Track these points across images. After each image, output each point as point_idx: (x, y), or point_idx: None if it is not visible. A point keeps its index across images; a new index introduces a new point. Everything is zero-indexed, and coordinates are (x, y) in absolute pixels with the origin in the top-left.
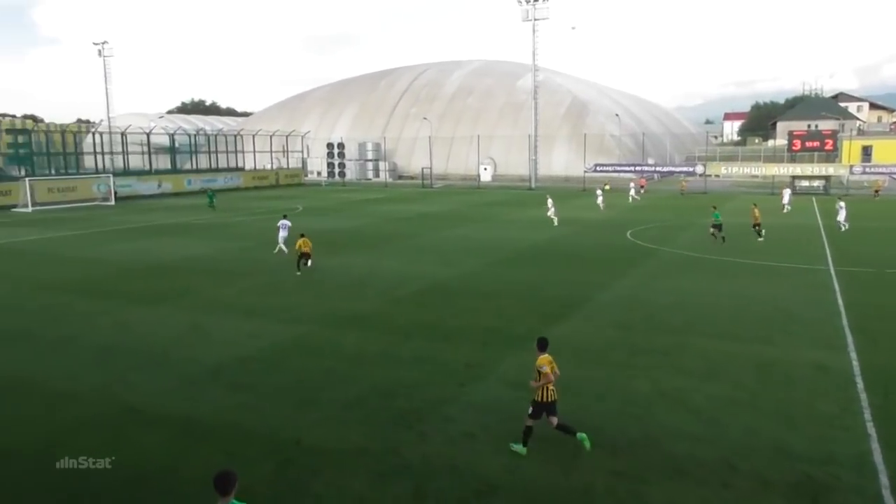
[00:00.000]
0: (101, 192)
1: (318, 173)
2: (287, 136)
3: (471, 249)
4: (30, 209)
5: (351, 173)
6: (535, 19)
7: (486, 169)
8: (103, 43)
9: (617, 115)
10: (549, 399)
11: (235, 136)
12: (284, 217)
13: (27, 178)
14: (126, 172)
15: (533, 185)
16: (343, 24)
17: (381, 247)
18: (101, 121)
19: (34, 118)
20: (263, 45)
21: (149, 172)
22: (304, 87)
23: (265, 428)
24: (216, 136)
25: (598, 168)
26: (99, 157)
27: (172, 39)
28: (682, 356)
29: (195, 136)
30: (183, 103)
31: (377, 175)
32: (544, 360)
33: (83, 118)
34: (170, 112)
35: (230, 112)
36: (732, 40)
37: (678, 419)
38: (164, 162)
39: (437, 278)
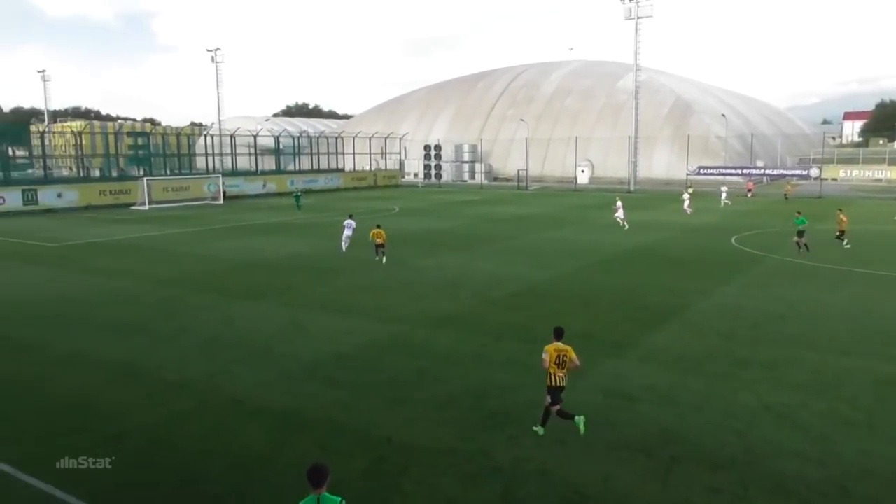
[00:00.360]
0: (210, 191)
1: (415, 174)
2: (385, 138)
3: (566, 252)
4: (146, 207)
5: (447, 175)
6: (638, 17)
7: (583, 171)
8: (216, 50)
9: (723, 115)
10: (557, 384)
11: (336, 138)
12: (350, 217)
13: (145, 178)
14: (234, 173)
15: (632, 188)
16: (442, 26)
17: (476, 248)
18: (213, 124)
19: (152, 121)
20: (364, 49)
21: (255, 173)
22: (402, 90)
23: (358, 424)
24: (318, 138)
25: (701, 170)
26: (209, 158)
27: (279, 45)
28: (789, 370)
29: (298, 138)
30: (288, 106)
31: (473, 177)
32: (549, 348)
33: (196, 121)
34: (275, 115)
35: (332, 115)
36: (854, 34)
37: (784, 436)
38: (269, 163)
39: (531, 281)
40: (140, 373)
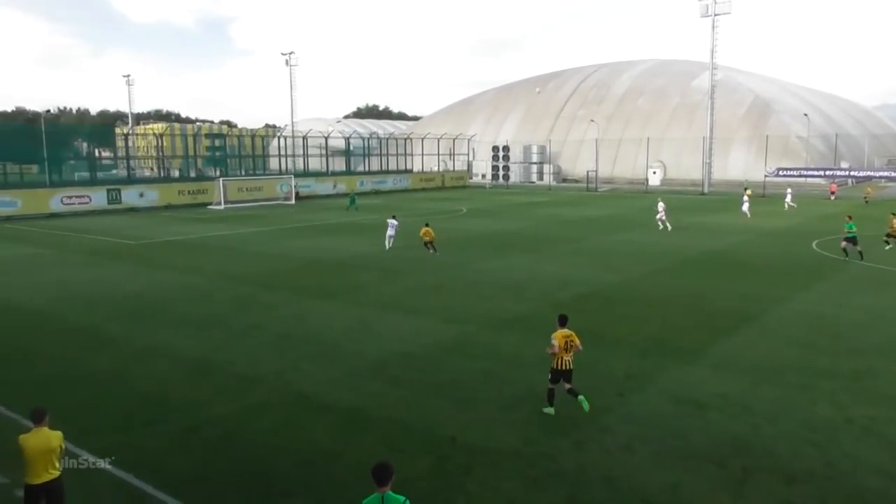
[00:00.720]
0: (283, 191)
1: (483, 176)
2: (454, 140)
3: (635, 255)
4: (222, 207)
5: (515, 176)
6: (716, 14)
7: (654, 172)
8: (290, 53)
9: (805, 114)
10: (564, 367)
11: (405, 139)
12: (393, 217)
13: (221, 179)
14: (305, 173)
15: (706, 190)
16: (511, 27)
17: (543, 250)
18: (286, 125)
19: (229, 124)
20: (434, 50)
21: (325, 174)
22: (471, 91)
23: (423, 423)
24: (387, 139)
25: (780, 172)
26: (282, 160)
27: (351, 47)
28: (874, 381)
29: (368, 139)
30: (358, 108)
31: (541, 178)
32: (558, 335)
33: (270, 123)
34: (346, 117)
35: (401, 116)
36: None
37: (868, 450)
38: (339, 164)
39: (599, 284)
40: (213, 367)
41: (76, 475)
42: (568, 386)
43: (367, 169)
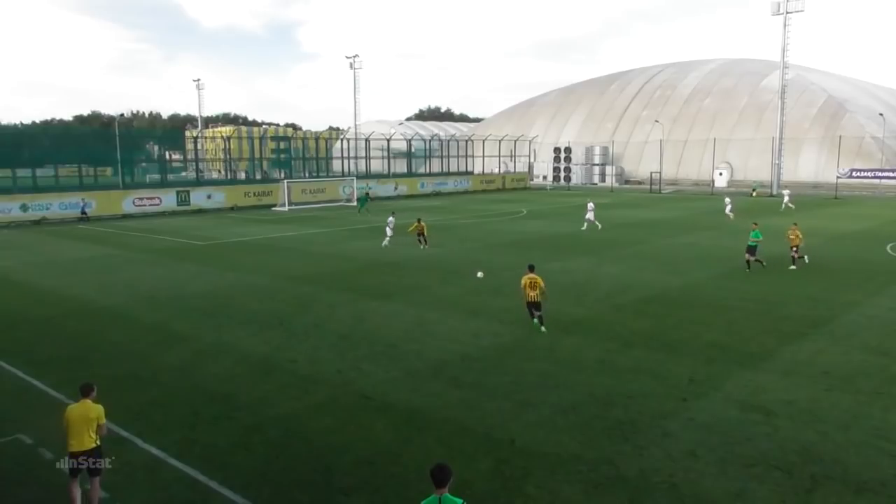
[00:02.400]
0: (345, 193)
1: (544, 177)
2: (515, 141)
3: (699, 258)
4: (286, 208)
5: (577, 178)
6: (788, 12)
7: (721, 174)
8: (354, 56)
9: (881, 114)
10: (532, 300)
11: (466, 141)
12: (392, 214)
13: (286, 181)
14: (367, 175)
15: (775, 192)
16: (574, 27)
17: (603, 252)
18: (349, 128)
19: (294, 126)
20: (496, 52)
21: (387, 176)
22: (533, 93)
23: (482, 425)
24: (448, 141)
25: (854, 174)
26: (345, 162)
27: (414, 50)
28: None
29: (430, 141)
30: (420, 110)
31: (603, 180)
32: (524, 278)
33: (334, 125)
34: (408, 119)
35: (463, 118)
36: None
37: None
38: (400, 166)
39: (661, 287)
40: (276, 366)
41: (145, 468)
42: (538, 314)
43: (427, 171)
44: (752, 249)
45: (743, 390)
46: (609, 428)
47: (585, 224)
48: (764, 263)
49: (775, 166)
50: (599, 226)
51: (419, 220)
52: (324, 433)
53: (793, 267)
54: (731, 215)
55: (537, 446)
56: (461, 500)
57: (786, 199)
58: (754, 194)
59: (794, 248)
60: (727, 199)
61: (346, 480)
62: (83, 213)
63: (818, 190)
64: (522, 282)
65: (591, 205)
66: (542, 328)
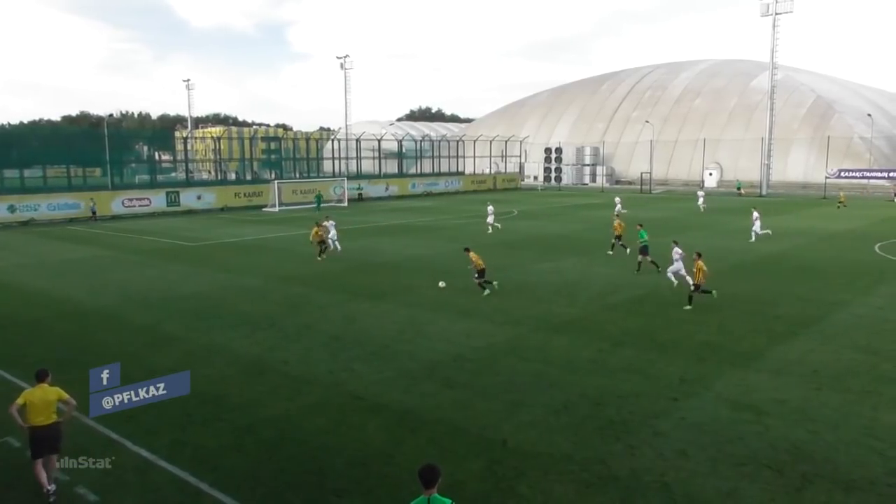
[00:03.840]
0: (336, 194)
1: (535, 178)
2: (506, 142)
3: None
4: (277, 209)
5: (567, 178)
6: (777, 13)
7: (711, 174)
8: (345, 57)
9: (869, 115)
10: (481, 268)
11: (457, 141)
12: (328, 219)
13: (276, 181)
14: (358, 176)
15: (764, 192)
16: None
17: (594, 252)
18: (340, 128)
19: (284, 127)
20: (487, 53)
21: (378, 176)
22: (524, 93)
23: (474, 426)
24: (440, 141)
25: (842, 174)
26: (336, 162)
27: (405, 51)
28: None
29: (421, 141)
30: (411, 111)
31: (594, 180)
32: (472, 256)
33: (325, 126)
34: (399, 119)
35: (454, 118)
36: None
37: None
38: (391, 166)
39: (653, 286)
40: (268, 367)
41: (136, 470)
42: (482, 280)
43: (419, 171)
44: (644, 250)
45: (734, 390)
46: (601, 428)
47: (489, 228)
48: (658, 266)
49: (765, 166)
50: (498, 226)
51: (317, 224)
52: (316, 434)
53: (688, 307)
54: (703, 207)
55: (530, 446)
56: (450, 501)
57: (700, 200)
58: (742, 192)
59: (696, 285)
60: (700, 193)
61: (339, 481)
62: (93, 213)
63: (807, 190)
64: (471, 256)
65: (490, 208)
66: (489, 289)
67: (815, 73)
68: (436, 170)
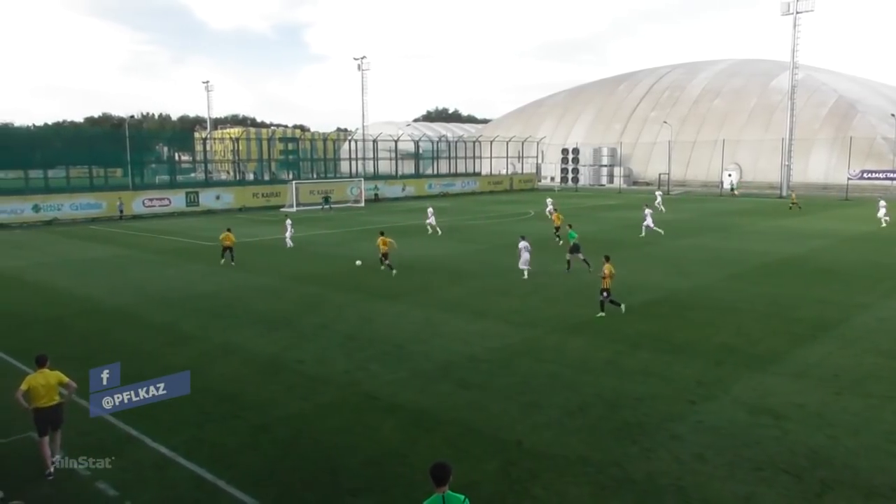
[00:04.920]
0: (352, 194)
1: (552, 178)
2: (522, 142)
3: (708, 260)
4: (294, 209)
5: (584, 179)
6: (798, 12)
7: (730, 175)
8: (362, 58)
9: (893, 115)
10: (385, 251)
11: (474, 142)
12: (287, 217)
13: (293, 182)
14: (375, 176)
15: (784, 193)
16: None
17: (611, 253)
18: (357, 129)
19: (302, 128)
20: (503, 53)
21: (394, 177)
22: (541, 93)
23: (489, 426)
24: (456, 142)
25: (864, 175)
26: (353, 163)
27: (422, 52)
28: None
29: (437, 142)
30: (428, 111)
31: (611, 181)
32: (380, 240)
33: (342, 127)
34: (416, 120)
35: (470, 119)
36: None
37: None
38: (408, 167)
39: (670, 289)
40: (284, 366)
41: (154, 467)
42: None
43: (435, 172)
44: (574, 248)
45: (752, 393)
46: (617, 430)
47: (429, 229)
48: (591, 268)
49: (785, 167)
50: (438, 232)
51: (228, 229)
52: (331, 433)
53: (601, 314)
54: (662, 209)
55: (545, 448)
56: (464, 497)
57: (658, 201)
58: (736, 193)
59: (605, 290)
60: (657, 193)
61: (354, 481)
62: (120, 212)
63: (828, 191)
64: (378, 241)
65: (430, 210)
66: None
67: (836, 73)
68: (452, 170)
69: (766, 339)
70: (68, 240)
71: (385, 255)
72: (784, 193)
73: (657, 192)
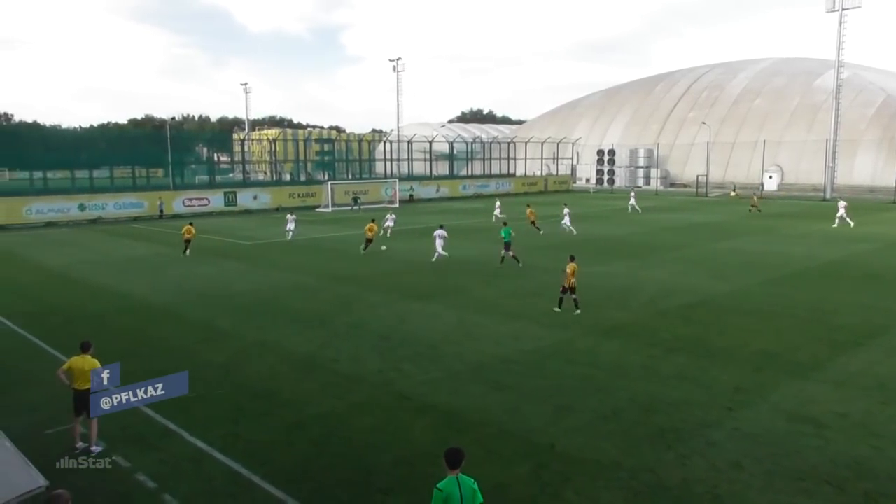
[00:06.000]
0: (387, 195)
1: (587, 180)
2: (557, 143)
3: (747, 264)
4: (330, 209)
5: (620, 180)
6: (843, 9)
7: (770, 177)
8: (397, 59)
9: None
10: (373, 236)
11: (508, 143)
12: (291, 212)
13: (329, 182)
14: (410, 177)
15: (828, 196)
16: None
17: (647, 256)
18: (392, 130)
19: (338, 129)
20: (539, 54)
21: (429, 178)
22: (576, 94)
23: (521, 429)
24: (490, 143)
25: None
26: (387, 164)
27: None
28: None
29: (472, 143)
30: (462, 113)
31: (647, 182)
32: (369, 225)
33: (377, 128)
34: (450, 121)
35: (505, 120)
36: None
37: None
38: (442, 168)
39: (708, 293)
40: (318, 364)
41: (191, 460)
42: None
43: (469, 173)
44: (507, 246)
45: (792, 401)
46: (651, 435)
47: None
48: (521, 263)
49: (829, 169)
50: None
51: (189, 222)
52: (364, 432)
53: (556, 309)
54: (638, 209)
55: (577, 452)
56: (473, 479)
57: (631, 201)
58: (733, 194)
59: (567, 289)
60: (632, 193)
61: (385, 479)
62: (161, 211)
63: (875, 194)
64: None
65: (391, 216)
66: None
67: (884, 71)
68: (486, 172)
69: (806, 345)
70: (111, 238)
71: (370, 241)
72: (829, 196)
73: (631, 193)
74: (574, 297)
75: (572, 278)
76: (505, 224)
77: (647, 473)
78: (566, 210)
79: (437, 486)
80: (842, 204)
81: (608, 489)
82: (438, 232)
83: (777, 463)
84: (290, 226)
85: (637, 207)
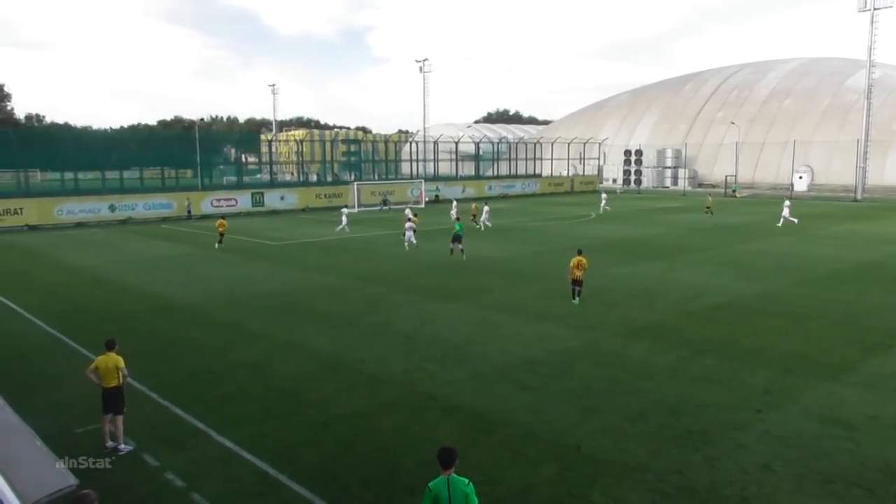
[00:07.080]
0: (413, 195)
1: (614, 180)
2: (584, 144)
3: (776, 265)
4: (356, 209)
5: (647, 181)
6: (875, 8)
7: (801, 177)
8: (424, 60)
9: None
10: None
11: (535, 143)
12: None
13: (355, 183)
14: (435, 178)
15: (859, 196)
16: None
17: (674, 257)
18: (418, 131)
19: (364, 129)
20: (565, 54)
21: (455, 178)
22: (603, 94)
23: (547, 430)
24: (516, 143)
25: None
26: (413, 164)
27: (483, 54)
28: None
29: (498, 144)
30: (489, 113)
31: (675, 183)
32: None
33: (403, 129)
34: (476, 122)
35: (531, 121)
36: None
37: None
38: (468, 168)
39: (735, 294)
40: (344, 364)
41: (220, 460)
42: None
43: (495, 173)
44: (457, 238)
45: (822, 403)
46: (679, 437)
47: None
48: (465, 256)
49: (860, 169)
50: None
51: (222, 217)
52: (389, 432)
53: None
54: (608, 208)
55: (604, 453)
56: (467, 480)
57: (603, 202)
58: (735, 194)
59: (575, 281)
60: (603, 196)
61: (411, 480)
62: (188, 212)
63: None
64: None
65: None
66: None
67: None
68: (512, 172)
69: (837, 347)
70: (141, 238)
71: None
72: (859, 196)
73: (603, 195)
74: (579, 289)
75: (577, 271)
76: (458, 219)
77: (675, 475)
78: (486, 208)
79: (428, 485)
80: (786, 204)
81: (635, 491)
82: (409, 224)
83: (807, 465)
84: (344, 220)
85: (791, 219)
